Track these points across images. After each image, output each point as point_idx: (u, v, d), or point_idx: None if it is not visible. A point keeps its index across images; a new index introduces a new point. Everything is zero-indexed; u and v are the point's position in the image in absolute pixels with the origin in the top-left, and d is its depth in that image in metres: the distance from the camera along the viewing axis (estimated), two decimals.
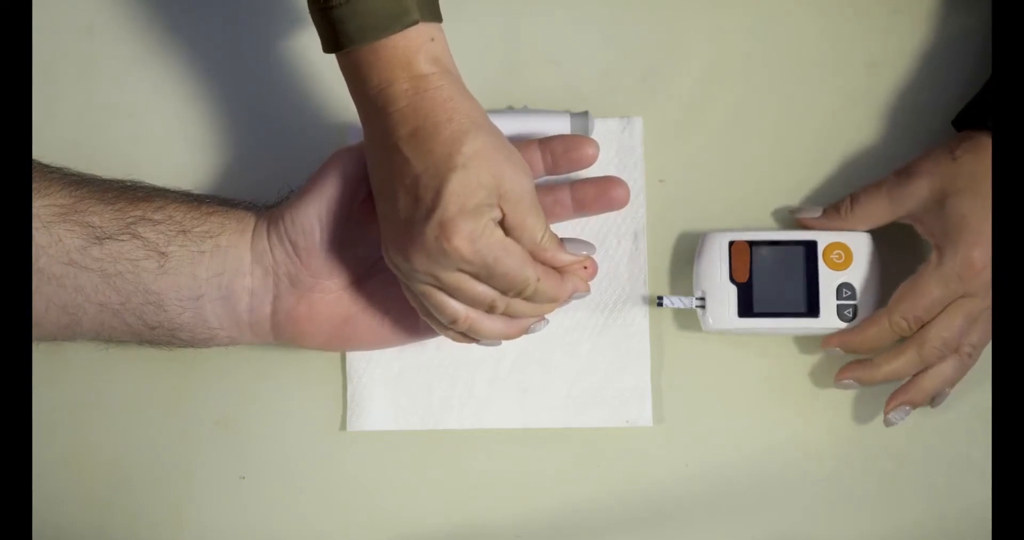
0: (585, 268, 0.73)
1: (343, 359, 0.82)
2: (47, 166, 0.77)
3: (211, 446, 0.81)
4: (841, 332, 0.78)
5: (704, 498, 0.81)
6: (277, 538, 0.81)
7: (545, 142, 0.75)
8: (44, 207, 0.74)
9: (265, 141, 0.84)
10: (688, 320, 0.82)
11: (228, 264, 0.76)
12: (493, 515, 0.81)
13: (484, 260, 0.68)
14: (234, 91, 0.84)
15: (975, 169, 0.75)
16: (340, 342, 0.78)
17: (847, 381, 0.78)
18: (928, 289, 0.75)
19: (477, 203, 0.67)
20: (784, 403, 0.81)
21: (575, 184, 0.77)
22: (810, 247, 0.78)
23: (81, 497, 0.81)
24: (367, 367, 0.81)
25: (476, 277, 0.69)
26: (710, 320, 0.79)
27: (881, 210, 0.78)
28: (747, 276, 0.78)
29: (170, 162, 0.83)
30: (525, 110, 0.81)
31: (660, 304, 0.79)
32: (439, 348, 0.81)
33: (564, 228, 0.80)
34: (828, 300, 0.78)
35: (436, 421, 0.81)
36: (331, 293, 0.76)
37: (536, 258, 0.71)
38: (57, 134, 0.83)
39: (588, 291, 0.73)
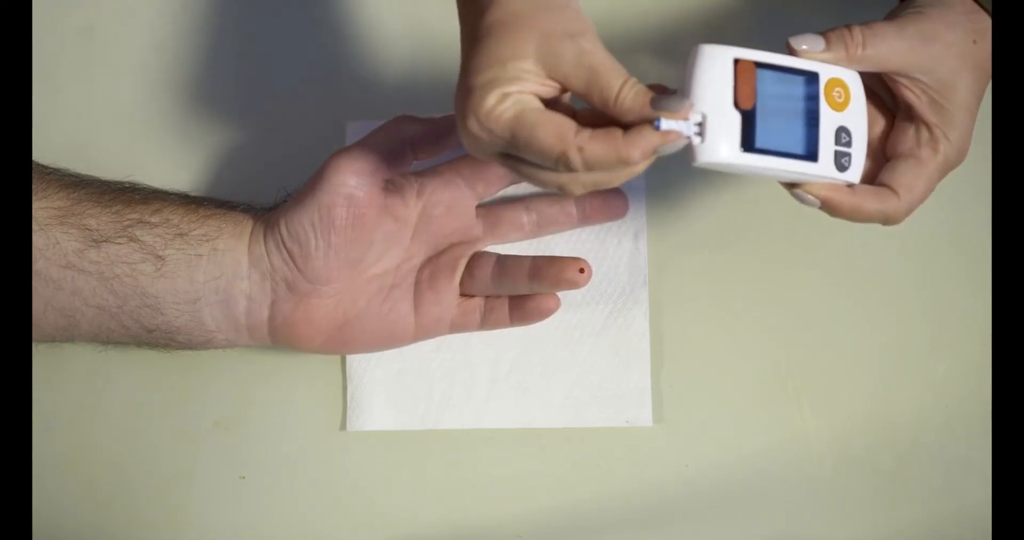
0: (581, 271, 0.73)
1: (343, 359, 0.82)
2: (44, 167, 0.77)
3: (211, 446, 0.81)
4: (833, 188, 0.69)
5: (704, 498, 0.81)
6: (277, 538, 0.81)
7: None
8: (41, 209, 0.74)
9: (265, 141, 0.83)
10: (688, 319, 0.82)
11: (225, 268, 0.76)
12: (493, 515, 0.81)
13: (501, 136, 0.63)
14: (234, 91, 0.84)
15: (987, 65, 0.70)
16: (338, 345, 0.78)
17: (813, 199, 0.69)
18: (935, 179, 0.71)
19: (489, 78, 0.62)
20: (784, 403, 0.81)
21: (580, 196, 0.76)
22: (812, 79, 0.68)
23: (81, 497, 0.81)
24: (367, 367, 0.81)
25: (517, 157, 0.64)
26: (707, 151, 0.65)
27: (894, 60, 0.69)
28: (752, 102, 0.66)
29: (169, 162, 0.83)
30: None
31: (657, 128, 0.63)
32: (439, 348, 0.81)
33: (565, 235, 0.81)
34: (827, 144, 0.68)
35: (436, 421, 0.81)
36: (329, 298, 0.76)
37: (620, 119, 0.63)
38: (57, 134, 0.83)
39: (674, 139, 0.63)
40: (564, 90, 0.64)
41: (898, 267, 0.81)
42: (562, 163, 0.62)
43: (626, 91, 0.63)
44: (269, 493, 0.81)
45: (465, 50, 0.64)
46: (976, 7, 0.70)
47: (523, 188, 0.80)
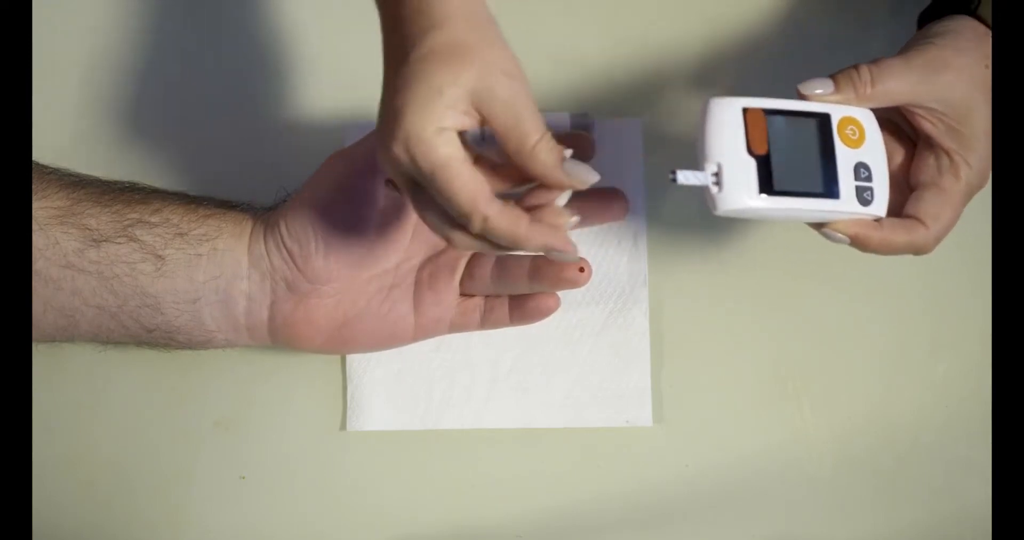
0: (581, 270, 0.73)
1: (343, 359, 0.82)
2: (44, 167, 0.77)
3: (211, 446, 0.81)
4: (861, 224, 0.70)
5: (704, 498, 0.81)
6: (277, 538, 0.81)
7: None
8: (41, 209, 0.74)
9: (265, 141, 0.84)
10: (688, 319, 0.82)
11: (225, 268, 0.76)
12: (493, 515, 0.81)
13: (420, 168, 0.62)
14: (234, 91, 0.84)
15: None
16: (338, 345, 0.78)
17: (841, 236, 0.70)
18: (960, 206, 0.71)
19: (426, 104, 0.62)
20: (784, 403, 0.81)
21: (577, 197, 0.76)
22: (824, 121, 0.69)
23: (81, 497, 0.81)
24: (367, 367, 0.81)
25: (422, 190, 0.64)
26: (727, 198, 0.67)
27: (904, 93, 0.70)
28: (765, 148, 0.68)
29: (169, 162, 0.83)
30: None
31: (674, 180, 0.66)
32: (439, 348, 0.81)
33: None
34: (847, 181, 0.69)
35: (436, 421, 0.81)
36: (328, 298, 0.76)
37: (527, 167, 0.64)
38: (57, 134, 0.83)
39: (569, 250, 0.65)
40: (483, 123, 0.64)
41: (898, 267, 0.81)
42: (463, 222, 0.64)
43: (542, 146, 0.64)
44: (269, 493, 0.81)
45: (397, 67, 0.63)
46: (985, 32, 0.71)
47: (522, 188, 0.80)
